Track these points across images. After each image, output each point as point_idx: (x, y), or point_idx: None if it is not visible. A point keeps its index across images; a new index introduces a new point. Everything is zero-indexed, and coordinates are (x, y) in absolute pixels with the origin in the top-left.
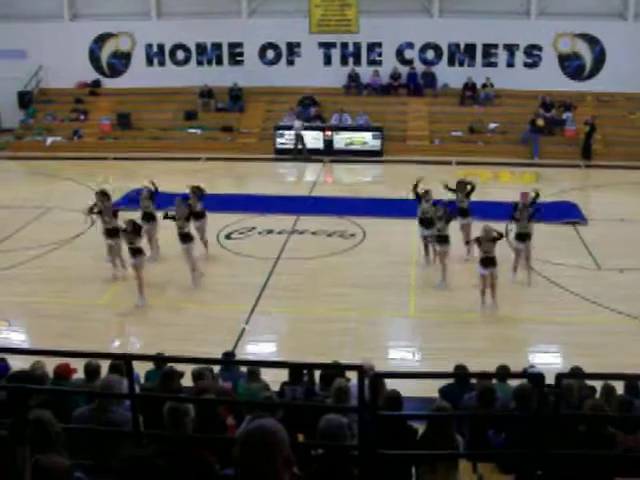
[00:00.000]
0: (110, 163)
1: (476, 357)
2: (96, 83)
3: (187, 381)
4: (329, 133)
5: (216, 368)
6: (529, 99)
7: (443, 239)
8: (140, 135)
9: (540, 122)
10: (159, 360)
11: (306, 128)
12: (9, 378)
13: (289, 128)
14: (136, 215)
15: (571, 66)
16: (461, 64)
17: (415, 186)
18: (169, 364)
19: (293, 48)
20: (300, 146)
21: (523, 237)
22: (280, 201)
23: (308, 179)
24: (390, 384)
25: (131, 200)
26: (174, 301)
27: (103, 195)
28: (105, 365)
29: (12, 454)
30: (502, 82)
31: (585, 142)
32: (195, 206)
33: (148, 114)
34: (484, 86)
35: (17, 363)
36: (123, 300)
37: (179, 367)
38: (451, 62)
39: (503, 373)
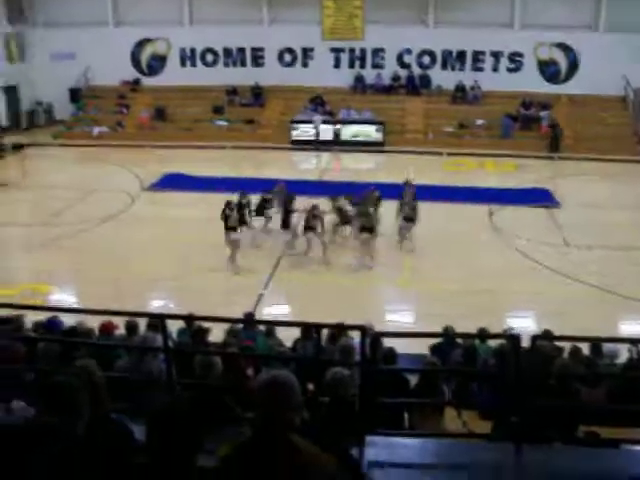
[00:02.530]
0: (148, 150)
1: (461, 321)
2: (136, 81)
3: (212, 337)
4: (338, 126)
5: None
6: (511, 99)
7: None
8: (174, 126)
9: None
10: (189, 319)
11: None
12: (62, 333)
13: (304, 122)
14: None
15: (548, 71)
16: (453, 68)
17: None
18: (198, 323)
19: (307, 52)
20: (316, 137)
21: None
22: (294, 184)
23: (319, 166)
24: (387, 342)
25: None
26: (204, 269)
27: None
28: (143, 323)
29: (76, 397)
30: (488, 84)
31: (551, 140)
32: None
33: (181, 108)
34: (472, 88)
35: (68, 320)
36: (160, 267)
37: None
38: (444, 66)
39: (484, 334)
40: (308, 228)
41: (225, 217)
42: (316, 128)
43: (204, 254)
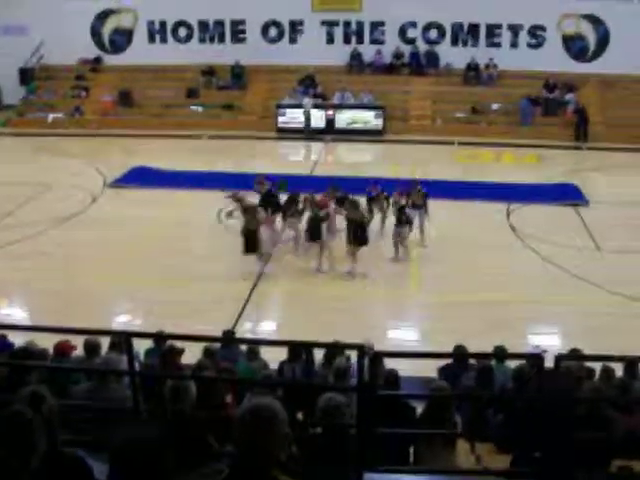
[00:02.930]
0: (111, 140)
1: (474, 338)
2: (97, 60)
3: (186, 358)
4: (331, 112)
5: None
6: (532, 80)
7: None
8: (142, 112)
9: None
10: (159, 337)
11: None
12: (10, 355)
13: (292, 107)
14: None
15: (575, 47)
16: (464, 44)
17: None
18: (169, 342)
19: (296, 26)
20: (308, 124)
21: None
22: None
23: (309, 158)
24: (389, 363)
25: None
26: (173, 280)
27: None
28: (105, 342)
29: (28, 429)
30: (505, 62)
31: (578, 127)
32: None
33: (150, 91)
34: (487, 66)
35: (18, 340)
36: (121, 277)
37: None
38: (454, 42)
39: (501, 354)
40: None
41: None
42: (306, 114)
43: (176, 261)
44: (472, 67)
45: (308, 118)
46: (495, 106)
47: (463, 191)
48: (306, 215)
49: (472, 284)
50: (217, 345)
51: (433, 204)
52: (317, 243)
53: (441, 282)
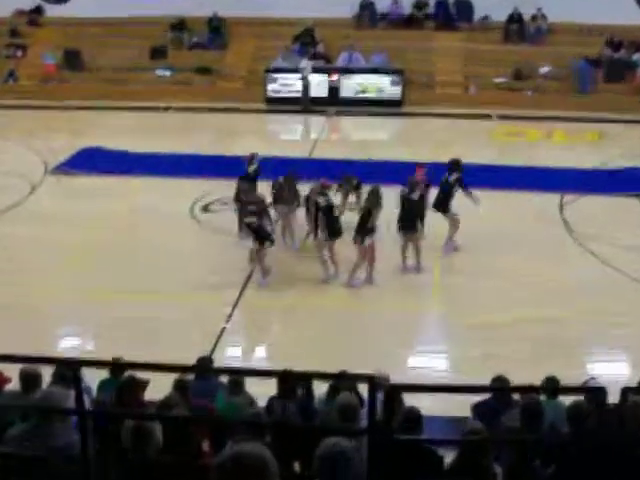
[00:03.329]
0: (55, 113)
1: (517, 366)
2: (37, 10)
3: (151, 393)
4: (335, 77)
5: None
6: (591, 36)
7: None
8: (94, 78)
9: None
10: (116, 366)
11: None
12: None
13: (285, 71)
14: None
15: None
16: None
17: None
18: (129, 371)
19: None
20: (307, 93)
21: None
22: (273, 163)
23: (307, 136)
24: (409, 400)
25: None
26: (136, 292)
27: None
28: (47, 373)
29: None
30: (557, 13)
31: None
32: None
33: (104, 51)
34: (534, 18)
35: None
36: (67, 288)
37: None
38: None
39: (552, 386)
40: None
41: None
42: (304, 80)
43: (137, 268)
44: (515, 19)
45: (306, 85)
46: (544, 69)
47: (502, 178)
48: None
49: (513, 297)
50: (191, 376)
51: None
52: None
53: (473, 295)
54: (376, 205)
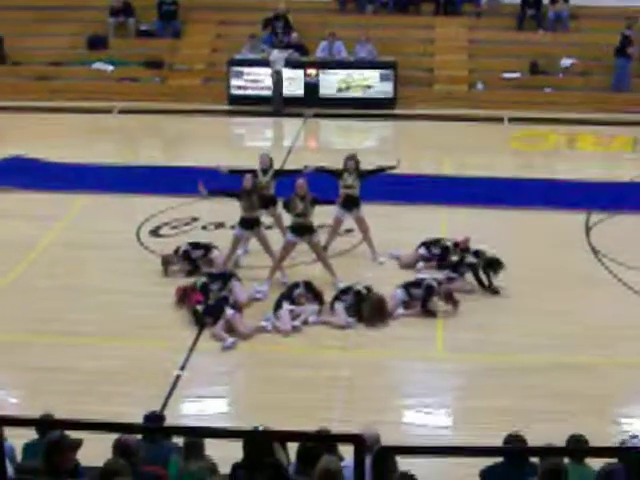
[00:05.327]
0: None
1: (537, 422)
2: None
3: (86, 457)
4: (313, 71)
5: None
6: (622, 21)
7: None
8: (18, 72)
9: (632, 51)
10: (44, 425)
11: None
12: None
13: (253, 64)
14: None
15: None
16: None
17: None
18: (59, 431)
19: None
20: (279, 91)
21: None
22: (236, 177)
23: (279, 143)
24: (404, 464)
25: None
26: (67, 335)
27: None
28: None
29: None
30: None
31: None
32: None
33: (31, 40)
34: (554, 1)
35: None
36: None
37: (78, 435)
38: None
39: (579, 449)
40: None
41: None
42: (276, 75)
43: (71, 303)
44: (531, 3)
45: (278, 82)
46: (567, 62)
47: (517, 194)
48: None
49: (531, 338)
50: (136, 437)
51: (469, 212)
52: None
53: (482, 335)
54: None
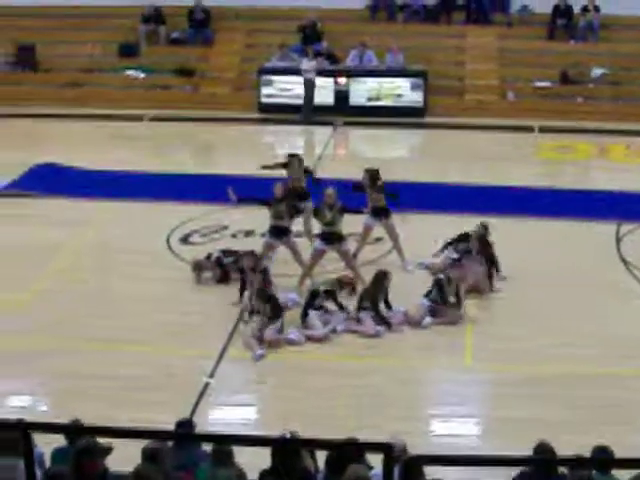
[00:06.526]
0: (2, 122)
1: (566, 432)
2: None
3: (114, 462)
4: (343, 80)
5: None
6: None
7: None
8: (50, 79)
9: None
10: (73, 431)
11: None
12: None
13: (283, 72)
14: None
15: None
16: None
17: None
18: (88, 437)
19: None
20: (311, 100)
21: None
22: (266, 185)
23: (309, 151)
24: (432, 473)
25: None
26: (97, 341)
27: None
28: None
29: None
30: (613, 5)
31: None
32: None
33: (63, 47)
34: (585, 11)
35: None
36: (15, 333)
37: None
38: None
39: (607, 459)
40: None
41: None
42: (308, 84)
43: (101, 313)
44: (562, 12)
45: (310, 91)
46: (597, 72)
47: (547, 203)
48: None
49: (560, 348)
50: (167, 444)
51: (498, 222)
52: None
53: (511, 345)
54: None
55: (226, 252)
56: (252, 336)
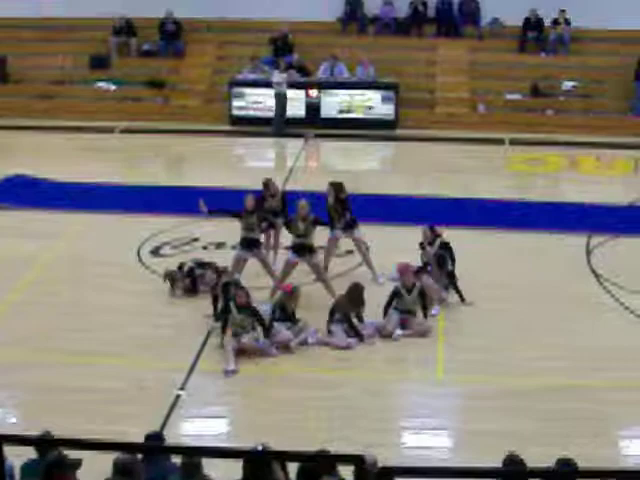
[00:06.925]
0: None
1: (535, 445)
2: None
3: (85, 476)
4: (314, 92)
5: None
6: (627, 43)
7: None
8: (20, 91)
9: None
10: (43, 444)
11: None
12: None
13: (254, 85)
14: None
15: None
16: None
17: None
18: (58, 450)
19: None
20: (283, 113)
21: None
22: (237, 197)
23: (280, 163)
24: None
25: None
26: (68, 354)
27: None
28: None
29: None
30: (584, 18)
31: None
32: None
33: (33, 59)
34: (556, 24)
35: None
36: None
37: (76, 455)
38: None
39: (571, 470)
40: None
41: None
42: (280, 96)
43: (70, 325)
44: (532, 25)
45: (282, 103)
46: (569, 84)
47: (518, 216)
48: None
49: (531, 360)
50: (135, 456)
51: (469, 234)
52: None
53: (482, 358)
54: None
55: (199, 263)
56: (232, 349)
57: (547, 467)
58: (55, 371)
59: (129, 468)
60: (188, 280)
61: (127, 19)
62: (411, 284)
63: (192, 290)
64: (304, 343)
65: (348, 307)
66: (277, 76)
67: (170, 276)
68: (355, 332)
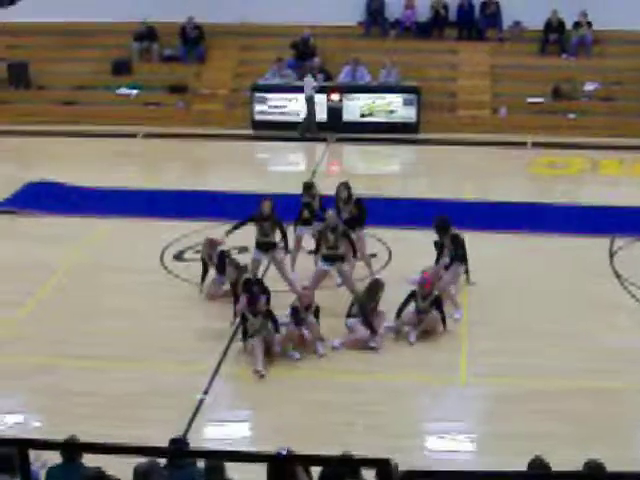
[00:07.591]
0: None
1: (562, 447)
2: None
3: None
4: (336, 96)
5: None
6: None
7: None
8: (42, 97)
9: None
10: (69, 448)
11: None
12: None
13: (276, 90)
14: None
15: None
16: None
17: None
18: (97, 468)
19: None
20: (309, 117)
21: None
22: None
23: (302, 167)
24: None
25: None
26: (91, 359)
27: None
28: None
29: None
30: (605, 20)
31: None
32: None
33: (55, 65)
34: (577, 26)
35: None
36: (7, 351)
37: (100, 461)
38: None
39: (599, 473)
40: None
41: None
42: (309, 99)
43: (94, 327)
44: (554, 27)
45: (312, 107)
46: (590, 87)
47: (539, 219)
48: None
49: (553, 362)
50: (156, 461)
51: (491, 237)
52: None
53: (505, 360)
54: None
55: (228, 257)
56: (260, 352)
57: (575, 470)
58: (78, 375)
59: (150, 473)
60: (218, 261)
61: (149, 25)
62: (427, 294)
63: (221, 271)
64: (334, 348)
65: (364, 299)
66: (309, 81)
67: (204, 260)
68: (370, 326)
